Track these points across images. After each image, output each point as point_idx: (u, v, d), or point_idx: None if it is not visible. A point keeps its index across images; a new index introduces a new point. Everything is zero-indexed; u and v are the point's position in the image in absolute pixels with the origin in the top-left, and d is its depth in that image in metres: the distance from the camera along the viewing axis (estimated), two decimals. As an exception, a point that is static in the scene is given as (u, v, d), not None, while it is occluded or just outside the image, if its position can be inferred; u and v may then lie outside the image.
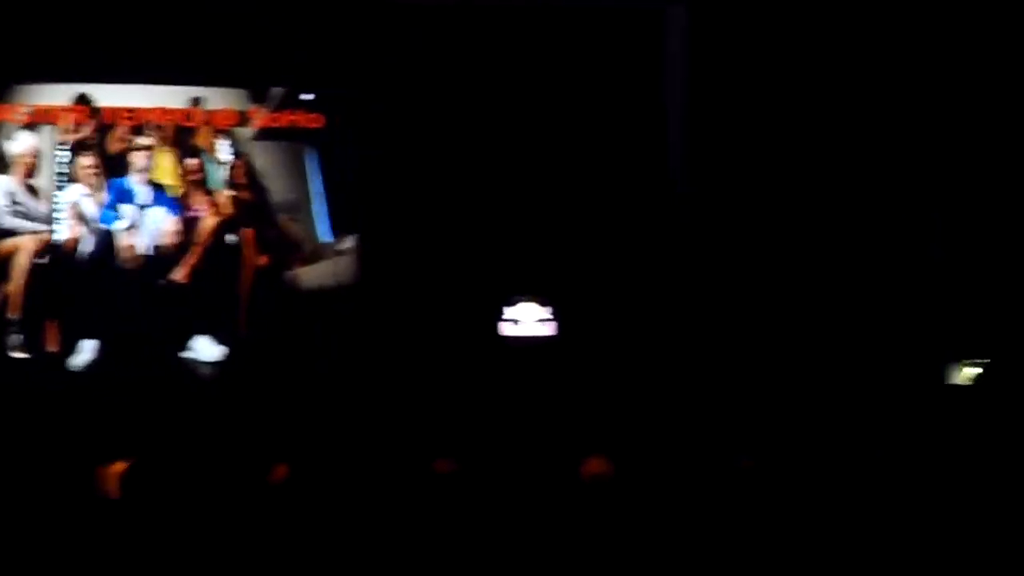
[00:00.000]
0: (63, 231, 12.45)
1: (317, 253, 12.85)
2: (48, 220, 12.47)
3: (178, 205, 12.66)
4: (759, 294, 12.41)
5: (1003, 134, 12.28)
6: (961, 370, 12.40)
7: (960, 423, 11.63)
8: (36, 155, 12.50)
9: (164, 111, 12.68)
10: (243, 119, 12.75)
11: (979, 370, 12.35)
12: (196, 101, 12.68)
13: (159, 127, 12.68)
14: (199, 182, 12.71)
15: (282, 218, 12.82)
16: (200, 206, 12.67)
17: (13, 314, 12.32)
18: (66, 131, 12.57)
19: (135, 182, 12.57)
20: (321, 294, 12.74)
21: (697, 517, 7.50)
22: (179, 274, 12.50)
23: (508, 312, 12.46)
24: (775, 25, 12.46)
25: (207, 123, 12.71)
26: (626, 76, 12.72)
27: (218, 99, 12.74)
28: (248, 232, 12.67)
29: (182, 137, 12.75)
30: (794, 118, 12.49)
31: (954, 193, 12.46)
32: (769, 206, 12.51)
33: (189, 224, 12.63)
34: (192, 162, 12.72)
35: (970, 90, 12.34)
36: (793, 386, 11.90)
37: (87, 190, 12.53)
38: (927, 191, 12.51)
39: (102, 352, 12.37)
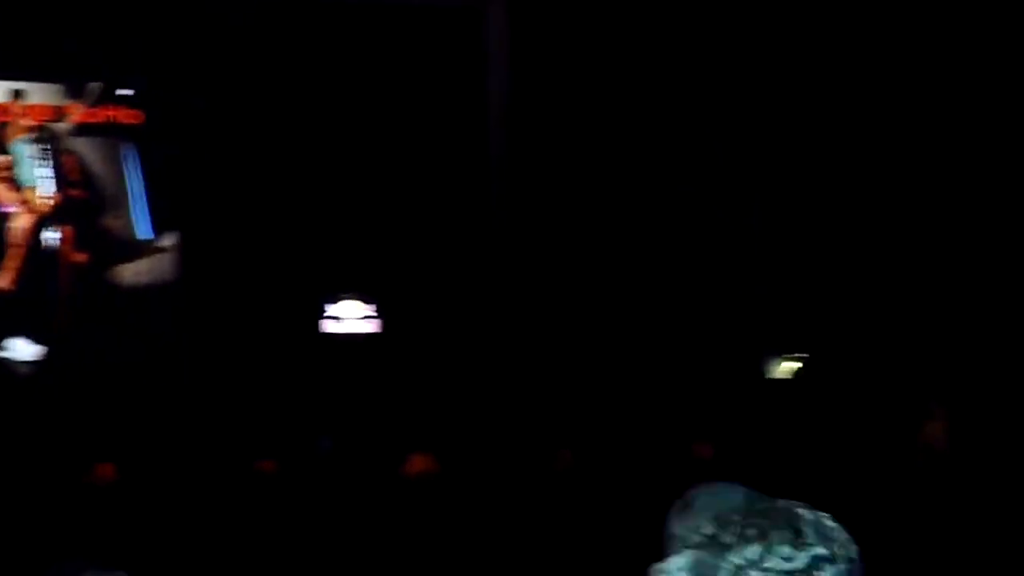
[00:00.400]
0: None
1: (137, 250, 12.66)
2: None
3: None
4: (579, 290, 12.48)
5: (819, 130, 12.46)
6: (779, 364, 12.58)
7: (779, 416, 11.83)
8: None
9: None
10: (60, 114, 12.50)
11: (798, 364, 12.54)
12: (16, 94, 12.39)
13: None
14: (9, 179, 12.41)
15: (101, 215, 12.61)
16: (11, 203, 12.39)
17: None
18: None
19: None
20: (141, 292, 12.56)
21: (519, 511, 7.54)
22: (3, 281, 12.22)
23: (331, 309, 12.40)
24: (594, 24, 12.53)
25: (23, 117, 12.44)
26: (448, 75, 12.71)
27: (35, 94, 12.48)
28: (66, 230, 12.44)
29: (-7, 133, 12.46)
30: (614, 115, 12.57)
31: (774, 193, 12.62)
32: (588, 204, 12.57)
33: None
34: (2, 159, 12.43)
35: (786, 84, 12.50)
36: (613, 380, 11.99)
37: None
38: (747, 189, 12.66)
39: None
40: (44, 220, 12.41)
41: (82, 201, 12.54)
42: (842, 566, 2.47)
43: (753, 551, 2.46)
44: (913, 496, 7.15)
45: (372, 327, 12.46)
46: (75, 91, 12.48)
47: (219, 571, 7.51)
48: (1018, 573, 6.53)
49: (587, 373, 12.03)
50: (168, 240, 12.62)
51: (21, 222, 12.34)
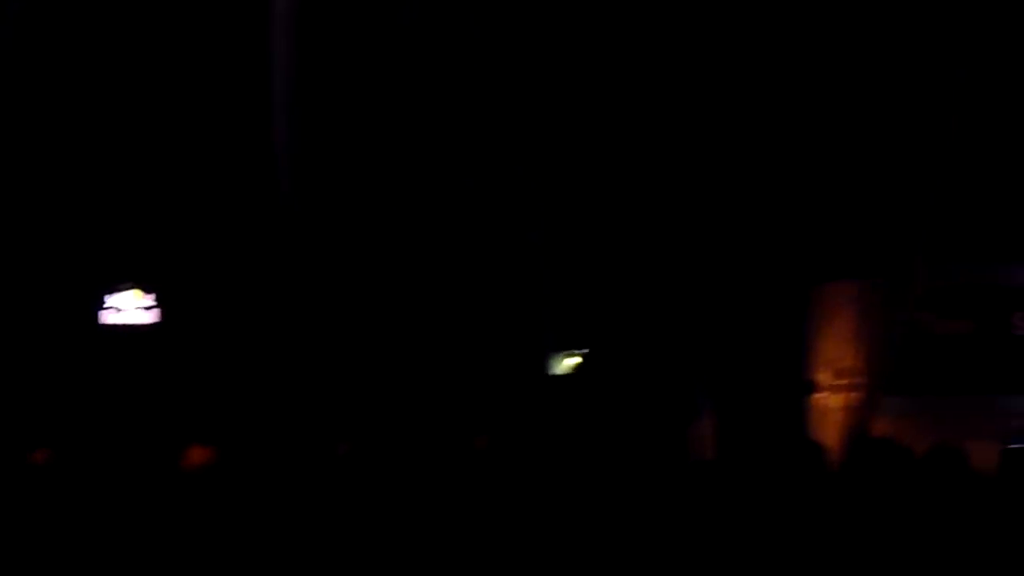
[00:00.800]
0: None
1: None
2: None
3: None
4: (364, 282, 12.45)
5: (602, 131, 12.59)
6: (562, 360, 12.71)
7: (560, 411, 11.96)
8: None
9: None
10: None
11: (577, 360, 12.69)
12: None
13: None
14: None
15: None
16: None
17: None
18: None
19: None
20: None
21: (299, 502, 7.51)
22: None
23: (109, 300, 12.21)
24: (384, 10, 12.49)
25: None
26: (230, 58, 12.56)
27: None
28: None
29: None
30: (402, 105, 12.56)
31: (559, 191, 12.72)
32: (375, 194, 12.55)
33: None
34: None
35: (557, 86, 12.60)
36: (397, 374, 12.01)
37: None
38: (532, 187, 12.75)
39: None
40: None
41: None
42: None
43: None
44: (683, 490, 7.28)
45: (152, 317, 12.30)
46: None
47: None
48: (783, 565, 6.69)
49: (372, 366, 12.03)
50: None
51: None
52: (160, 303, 12.31)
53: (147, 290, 12.25)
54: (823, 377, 11.88)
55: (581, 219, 12.69)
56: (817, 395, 11.85)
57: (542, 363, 12.64)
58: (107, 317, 12.20)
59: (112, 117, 12.30)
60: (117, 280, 12.22)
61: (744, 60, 11.76)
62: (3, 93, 12.09)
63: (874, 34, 11.62)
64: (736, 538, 6.70)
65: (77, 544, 7.26)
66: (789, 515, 6.76)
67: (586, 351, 12.67)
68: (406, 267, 12.60)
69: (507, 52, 12.47)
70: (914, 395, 12.15)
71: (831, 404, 11.78)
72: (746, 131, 11.70)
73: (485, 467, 8.17)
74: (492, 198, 12.75)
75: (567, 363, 12.73)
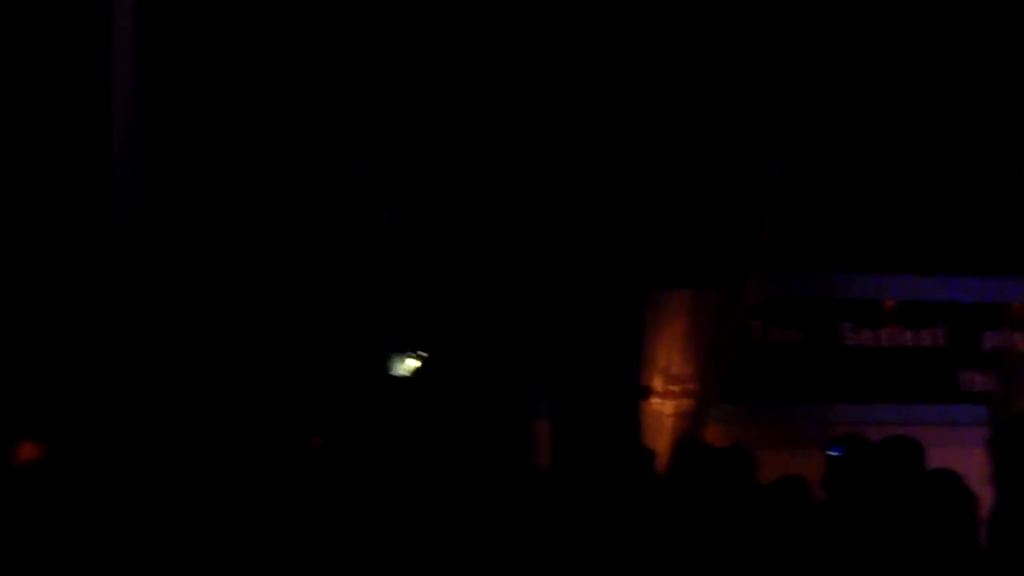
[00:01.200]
0: None
1: None
2: None
3: None
4: (206, 283, 12.39)
5: (451, 135, 12.64)
6: (403, 362, 12.75)
7: (401, 413, 12.00)
8: None
9: None
10: None
11: (419, 361, 12.73)
12: None
13: None
14: None
15: None
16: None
17: None
18: None
19: None
20: None
21: (130, 499, 7.48)
22: None
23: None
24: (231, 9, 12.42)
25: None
26: (68, 56, 12.39)
27: None
28: None
29: None
30: (245, 105, 12.51)
31: (403, 196, 12.75)
32: (217, 195, 12.49)
33: None
34: None
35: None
36: (236, 373, 11.97)
37: None
38: (377, 190, 12.76)
39: None
40: None
41: None
42: None
43: None
44: (516, 494, 7.36)
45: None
46: None
47: None
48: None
49: (210, 365, 11.97)
50: None
51: None
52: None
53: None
54: (657, 383, 12.01)
55: (423, 221, 12.73)
56: (651, 401, 11.99)
57: (382, 364, 12.67)
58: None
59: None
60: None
61: (581, 63, 11.84)
62: None
63: (711, 44, 11.79)
64: (564, 543, 6.79)
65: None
66: (615, 520, 6.86)
67: (426, 353, 12.71)
68: (248, 268, 12.54)
69: (347, 55, 12.48)
70: (745, 403, 12.38)
71: (664, 410, 11.92)
72: (585, 137, 11.79)
73: (320, 467, 8.19)
74: (335, 200, 12.75)
75: (407, 364, 12.77)
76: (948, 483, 5.58)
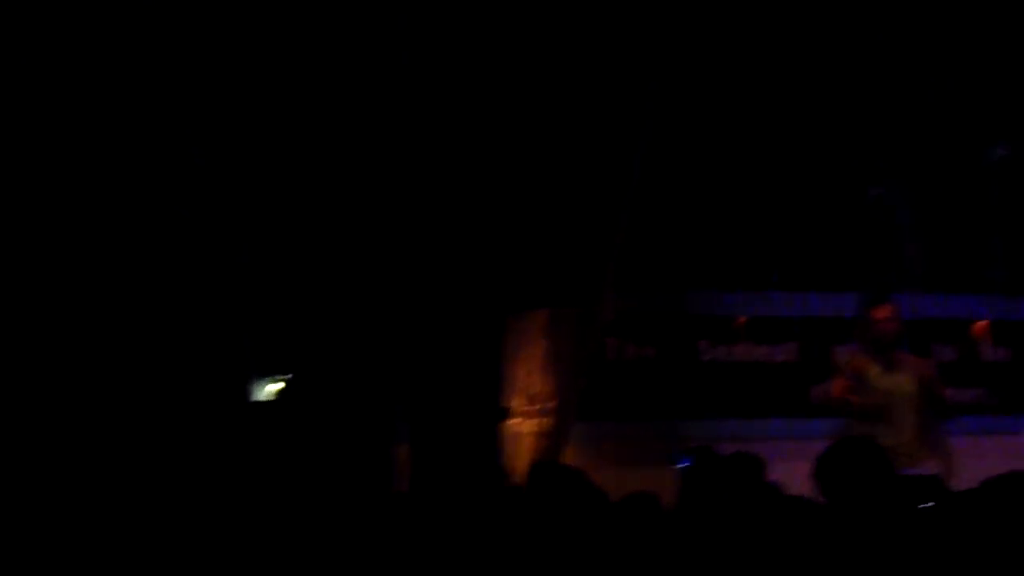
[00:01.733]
0: None
1: None
2: None
3: None
4: (80, 305, 12.23)
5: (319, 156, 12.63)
6: (265, 386, 12.74)
7: (263, 438, 11.97)
8: None
9: None
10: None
11: (281, 385, 12.73)
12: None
13: None
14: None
15: None
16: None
17: None
18: None
19: None
20: None
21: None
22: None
23: None
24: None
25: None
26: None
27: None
28: None
29: None
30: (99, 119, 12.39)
31: (264, 220, 12.71)
32: (54, 207, 12.26)
33: None
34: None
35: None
36: (93, 398, 11.86)
37: None
38: (237, 215, 12.71)
39: None
40: None
41: None
42: None
43: None
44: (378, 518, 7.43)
45: None
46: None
47: None
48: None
49: (66, 391, 11.84)
50: None
51: None
52: None
53: None
54: (517, 403, 12.11)
55: (283, 244, 12.71)
56: (511, 421, 12.07)
57: (244, 389, 12.63)
58: None
59: None
60: None
61: (445, 81, 11.90)
62: None
63: (561, 65, 11.91)
64: (423, 566, 6.87)
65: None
66: (470, 541, 6.95)
67: (289, 376, 12.71)
68: (106, 290, 12.41)
69: (209, 73, 12.43)
70: (602, 420, 12.48)
71: (524, 430, 12.02)
72: (440, 161, 11.87)
73: (183, 493, 8.20)
74: (196, 221, 12.68)
75: (269, 389, 12.77)
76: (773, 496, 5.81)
